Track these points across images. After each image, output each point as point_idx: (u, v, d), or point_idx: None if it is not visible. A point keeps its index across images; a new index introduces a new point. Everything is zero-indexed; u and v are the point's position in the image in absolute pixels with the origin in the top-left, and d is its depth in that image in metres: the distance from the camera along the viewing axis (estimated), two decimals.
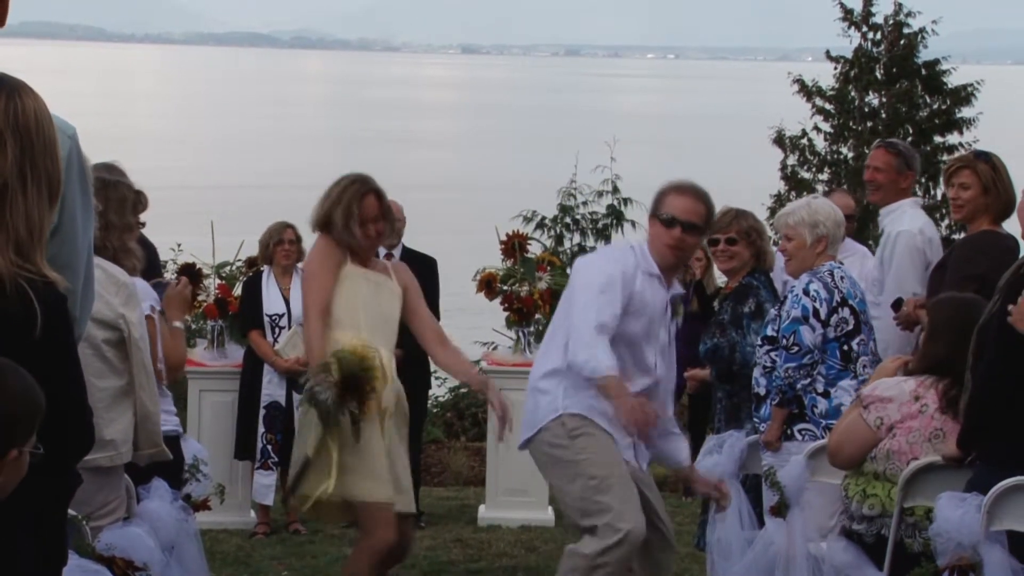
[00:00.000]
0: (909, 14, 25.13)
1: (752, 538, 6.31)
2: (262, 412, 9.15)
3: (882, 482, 5.41)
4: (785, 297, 6.58)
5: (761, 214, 9.93)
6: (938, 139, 24.88)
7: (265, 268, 9.30)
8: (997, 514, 4.85)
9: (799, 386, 6.38)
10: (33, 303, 3.06)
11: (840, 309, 6.42)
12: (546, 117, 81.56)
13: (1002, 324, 4.84)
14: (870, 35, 25.24)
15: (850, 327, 6.43)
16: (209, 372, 9.43)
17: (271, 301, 9.19)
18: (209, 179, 47.35)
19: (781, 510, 6.10)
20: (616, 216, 17.95)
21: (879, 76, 25.11)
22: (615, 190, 18.05)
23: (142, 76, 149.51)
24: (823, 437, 6.13)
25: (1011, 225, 6.74)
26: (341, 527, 8.75)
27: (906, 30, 25.10)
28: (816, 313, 6.38)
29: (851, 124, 25.08)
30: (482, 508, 9.61)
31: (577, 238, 17.95)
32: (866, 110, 25.20)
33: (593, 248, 17.46)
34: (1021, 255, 5.91)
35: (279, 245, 9.18)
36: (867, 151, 8.60)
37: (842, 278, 6.50)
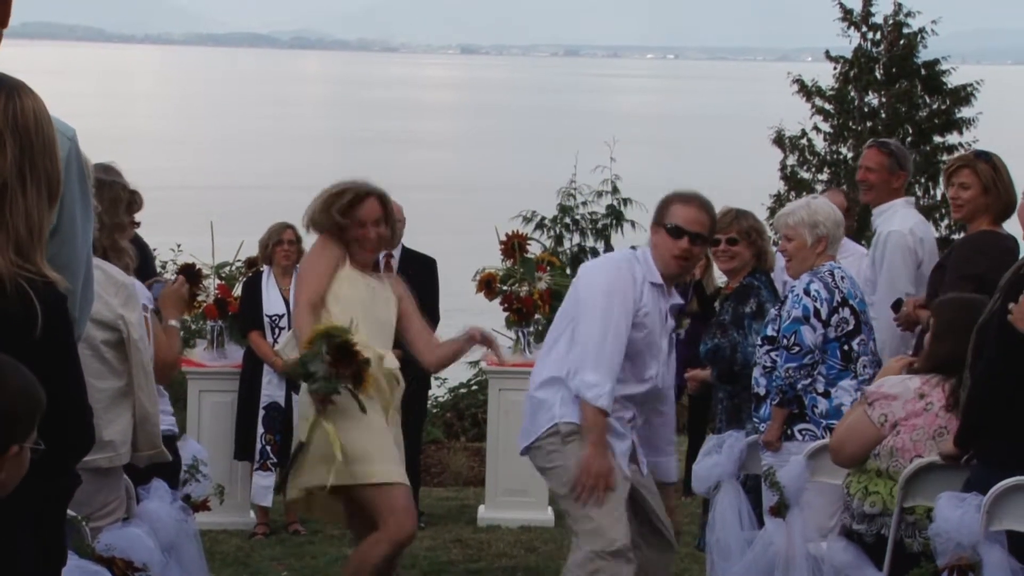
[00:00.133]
0: (909, 14, 25.14)
1: (752, 538, 6.31)
2: (261, 413, 9.14)
3: (884, 480, 5.40)
4: (785, 297, 6.58)
5: (761, 214, 9.91)
6: (938, 139, 24.91)
7: (265, 269, 9.30)
8: (997, 514, 4.84)
9: (799, 386, 6.37)
10: (33, 303, 3.05)
11: (841, 309, 6.41)
12: (545, 117, 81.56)
13: (1002, 323, 4.83)
14: (870, 35, 25.25)
15: (851, 327, 6.42)
16: (209, 372, 9.43)
17: (271, 302, 9.19)
18: (209, 179, 47.34)
19: (781, 510, 6.10)
20: (616, 216, 17.93)
21: (879, 76, 25.12)
22: (615, 190, 18.04)
23: (142, 77, 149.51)
24: (823, 437, 6.13)
25: (1011, 225, 6.73)
26: (341, 528, 8.74)
27: (906, 30, 25.11)
28: (817, 313, 6.38)
29: (851, 124, 25.09)
30: (482, 508, 9.61)
31: (577, 238, 17.94)
32: (866, 110, 25.21)
33: (593, 248, 17.47)
34: (1022, 255, 5.91)
35: (279, 245, 9.18)
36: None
37: (843, 278, 6.50)
